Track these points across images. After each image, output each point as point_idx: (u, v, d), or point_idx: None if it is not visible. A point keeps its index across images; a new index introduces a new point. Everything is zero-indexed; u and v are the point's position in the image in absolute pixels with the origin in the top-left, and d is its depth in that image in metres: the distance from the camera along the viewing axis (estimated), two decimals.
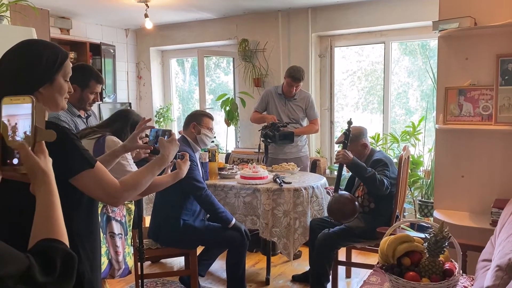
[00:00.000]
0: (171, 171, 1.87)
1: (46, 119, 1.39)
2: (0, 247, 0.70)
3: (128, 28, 5.87)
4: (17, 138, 0.78)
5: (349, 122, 2.83)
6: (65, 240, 0.85)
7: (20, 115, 0.78)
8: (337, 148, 4.96)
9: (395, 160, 3.28)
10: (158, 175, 1.62)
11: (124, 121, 2.37)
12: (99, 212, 1.83)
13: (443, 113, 2.77)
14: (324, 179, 3.47)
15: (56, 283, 0.77)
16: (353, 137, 2.90)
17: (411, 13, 4.26)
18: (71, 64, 1.41)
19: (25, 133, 0.78)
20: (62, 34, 5.00)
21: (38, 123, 0.80)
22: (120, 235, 2.40)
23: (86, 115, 2.70)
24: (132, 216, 2.51)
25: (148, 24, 4.66)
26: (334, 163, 2.89)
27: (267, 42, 5.06)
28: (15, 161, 0.79)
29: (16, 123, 0.78)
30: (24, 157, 0.79)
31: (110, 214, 2.36)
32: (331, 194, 2.88)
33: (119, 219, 2.41)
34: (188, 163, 1.87)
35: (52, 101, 1.34)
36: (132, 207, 2.53)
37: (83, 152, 1.27)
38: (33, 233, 0.83)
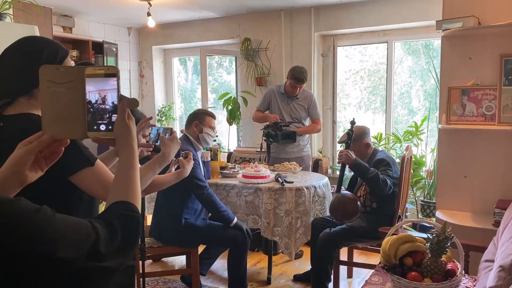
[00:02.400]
0: (175, 170, 1.87)
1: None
2: (67, 225, 0.68)
3: (131, 26, 5.87)
4: (107, 107, 0.86)
5: (352, 122, 2.83)
6: (138, 203, 0.85)
7: (108, 89, 0.86)
8: (339, 147, 4.96)
9: (397, 160, 3.27)
10: (160, 173, 1.62)
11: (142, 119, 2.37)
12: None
13: (446, 113, 2.76)
14: (326, 178, 3.46)
15: (119, 250, 0.74)
16: (356, 137, 2.89)
17: (415, 13, 4.24)
18: (72, 62, 1.41)
19: (113, 103, 0.86)
20: (64, 32, 5.00)
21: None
22: None
23: None
24: None
25: (151, 23, 4.66)
26: (338, 163, 2.89)
27: (270, 41, 5.05)
28: (102, 127, 0.86)
29: (105, 95, 0.86)
30: (119, 120, 0.86)
31: None
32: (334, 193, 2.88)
33: None
34: (192, 162, 1.87)
35: None
36: None
37: (83, 150, 1.27)
38: (109, 195, 0.85)
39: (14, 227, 0.59)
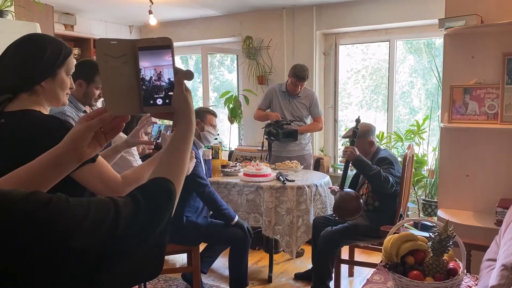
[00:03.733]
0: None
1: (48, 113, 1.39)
2: (82, 210, 0.64)
3: (132, 24, 5.87)
4: (162, 84, 0.84)
5: (357, 120, 2.84)
6: (177, 180, 0.80)
7: (164, 65, 0.84)
8: (341, 146, 4.95)
9: (399, 159, 3.26)
10: None
11: (131, 117, 2.37)
12: None
13: (448, 111, 2.75)
14: (328, 177, 3.46)
15: (143, 227, 0.69)
16: (361, 133, 2.90)
17: (417, 11, 4.23)
18: (74, 60, 1.41)
19: (169, 79, 0.84)
20: (66, 30, 5.00)
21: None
22: None
23: (91, 111, 2.70)
24: None
25: (152, 21, 4.65)
26: (342, 157, 2.91)
27: (271, 40, 5.05)
28: (159, 101, 0.84)
29: (161, 71, 0.84)
30: (177, 93, 0.84)
31: None
32: (337, 190, 2.87)
33: None
34: (194, 160, 1.87)
35: (53, 95, 1.34)
36: None
37: None
38: (154, 168, 0.82)
39: (23, 224, 0.58)
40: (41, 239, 0.58)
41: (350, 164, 2.89)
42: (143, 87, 0.83)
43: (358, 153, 2.81)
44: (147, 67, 0.83)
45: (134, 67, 0.82)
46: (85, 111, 2.62)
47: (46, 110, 1.35)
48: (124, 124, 0.91)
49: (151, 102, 0.84)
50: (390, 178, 2.76)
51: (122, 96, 0.83)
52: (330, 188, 3.14)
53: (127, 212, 0.68)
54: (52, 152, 0.87)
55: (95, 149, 0.88)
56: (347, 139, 3.04)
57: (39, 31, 2.65)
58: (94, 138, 0.87)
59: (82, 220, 0.62)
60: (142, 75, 0.83)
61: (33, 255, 0.57)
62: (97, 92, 2.59)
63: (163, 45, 0.83)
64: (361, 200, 2.78)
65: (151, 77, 0.83)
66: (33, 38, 1.33)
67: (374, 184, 2.84)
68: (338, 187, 2.96)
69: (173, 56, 0.83)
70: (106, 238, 0.64)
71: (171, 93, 0.84)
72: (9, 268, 0.57)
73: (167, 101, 0.85)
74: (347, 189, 2.88)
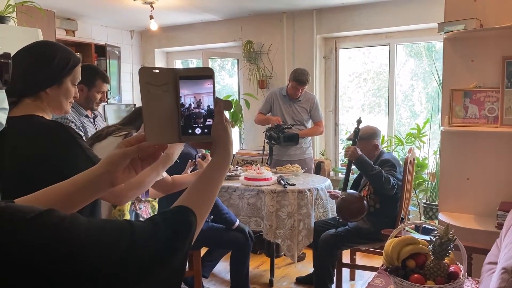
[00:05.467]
0: (191, 171, 1.89)
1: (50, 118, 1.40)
2: (93, 233, 0.62)
3: (133, 29, 5.89)
4: (202, 111, 0.84)
5: (358, 121, 2.86)
6: (201, 213, 0.78)
7: (204, 93, 0.84)
8: (341, 149, 4.95)
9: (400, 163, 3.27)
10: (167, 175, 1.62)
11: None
12: (128, 209, 1.85)
13: (449, 115, 2.76)
14: (329, 181, 3.46)
15: (157, 257, 0.66)
16: (366, 136, 2.91)
17: (417, 15, 4.24)
18: (81, 70, 1.42)
19: (208, 106, 0.84)
20: (67, 35, 5.02)
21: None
22: None
23: (93, 115, 2.71)
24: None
25: (153, 26, 4.67)
26: (344, 156, 2.92)
27: (272, 44, 5.06)
28: (198, 130, 0.84)
29: (200, 99, 0.84)
30: (218, 123, 0.84)
31: (138, 212, 2.36)
32: (337, 194, 2.88)
33: (145, 216, 2.41)
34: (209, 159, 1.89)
35: (57, 103, 1.35)
36: (156, 205, 2.53)
37: (86, 150, 1.28)
38: (182, 195, 0.81)
39: (31, 242, 0.56)
40: (49, 258, 0.57)
41: (352, 166, 2.89)
42: (182, 114, 0.83)
43: (360, 153, 2.81)
44: (187, 94, 0.83)
45: (174, 96, 0.82)
46: (87, 115, 2.63)
47: (48, 117, 1.36)
48: (162, 153, 0.90)
49: (190, 131, 0.84)
50: (391, 179, 2.76)
51: (162, 124, 0.82)
52: (329, 192, 3.14)
53: (143, 237, 0.66)
54: (87, 173, 0.85)
55: (129, 175, 0.87)
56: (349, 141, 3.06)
57: (41, 37, 2.66)
58: (130, 164, 0.86)
59: (93, 241, 0.61)
60: (182, 102, 0.83)
61: (39, 274, 0.56)
62: (98, 96, 2.60)
63: (204, 75, 0.83)
64: (365, 201, 2.79)
65: (190, 104, 0.83)
66: (43, 45, 1.35)
67: (375, 184, 2.84)
68: (338, 191, 2.97)
69: (213, 85, 0.83)
70: (118, 261, 0.62)
71: (209, 122, 0.84)
72: (17, 285, 0.55)
73: (205, 130, 0.84)
74: (350, 191, 2.89)
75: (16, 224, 0.57)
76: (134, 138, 0.86)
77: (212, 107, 0.84)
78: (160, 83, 0.82)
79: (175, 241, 0.70)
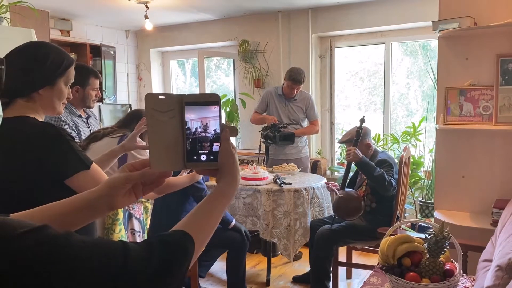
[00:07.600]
0: (188, 173, 1.89)
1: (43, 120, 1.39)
2: (84, 255, 0.61)
3: (129, 29, 5.88)
4: (208, 135, 0.83)
5: (362, 120, 2.84)
6: (200, 240, 0.77)
7: (211, 117, 0.83)
8: (337, 148, 4.96)
9: (396, 161, 3.28)
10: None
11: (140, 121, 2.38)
12: (121, 209, 1.85)
13: (444, 113, 2.76)
14: (325, 179, 3.46)
15: (149, 281, 0.65)
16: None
17: (412, 14, 4.25)
18: (74, 72, 1.41)
19: (214, 130, 0.83)
20: (62, 35, 5.00)
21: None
22: (139, 233, 2.40)
23: (86, 115, 2.70)
24: (148, 215, 2.51)
25: (148, 26, 4.66)
26: (346, 159, 2.91)
27: (267, 43, 5.06)
28: (203, 157, 0.83)
29: (207, 123, 0.83)
30: (224, 150, 0.83)
31: (131, 211, 2.36)
32: (337, 192, 2.88)
33: (138, 216, 2.41)
34: None
35: (49, 104, 1.34)
36: (149, 205, 2.53)
37: (78, 153, 1.27)
38: (183, 219, 0.80)
39: (19, 259, 0.55)
40: (36, 276, 0.55)
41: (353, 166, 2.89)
42: (189, 141, 0.82)
43: (361, 155, 2.81)
44: (193, 119, 0.82)
45: (180, 122, 0.82)
46: (80, 116, 2.62)
47: (41, 118, 1.35)
48: (165, 180, 0.88)
49: (195, 157, 0.83)
50: (393, 181, 2.77)
51: (167, 151, 0.81)
52: (327, 183, 3.13)
53: (135, 262, 0.65)
54: (86, 194, 0.84)
55: (129, 199, 0.85)
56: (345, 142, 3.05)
57: (34, 37, 2.65)
58: (132, 188, 0.84)
59: (83, 262, 0.60)
60: (188, 127, 0.82)
61: None
62: (94, 93, 2.61)
63: (211, 102, 0.82)
64: (362, 202, 2.80)
65: (196, 129, 0.82)
66: (36, 45, 1.34)
67: (377, 186, 2.83)
68: (336, 184, 2.98)
69: (220, 111, 0.83)
70: (108, 283, 0.61)
71: (215, 147, 0.83)
72: None
73: (211, 157, 0.83)
74: (348, 189, 2.89)
75: (5, 237, 0.55)
76: (139, 163, 0.85)
77: (218, 131, 0.83)
78: (165, 109, 0.81)
79: (168, 268, 0.69)
